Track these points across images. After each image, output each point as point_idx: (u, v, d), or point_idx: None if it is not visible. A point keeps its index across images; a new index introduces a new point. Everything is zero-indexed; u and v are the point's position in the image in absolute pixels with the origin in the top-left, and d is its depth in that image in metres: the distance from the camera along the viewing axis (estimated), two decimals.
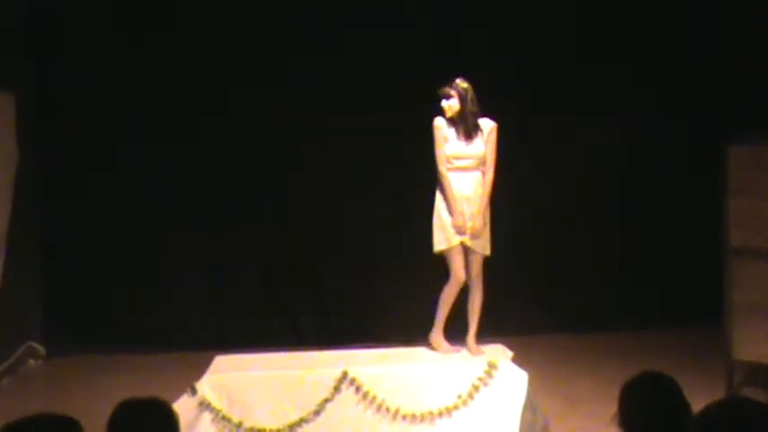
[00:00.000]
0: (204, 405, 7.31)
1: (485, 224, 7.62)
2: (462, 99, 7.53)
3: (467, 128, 7.55)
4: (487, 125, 7.59)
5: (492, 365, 7.37)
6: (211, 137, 10.05)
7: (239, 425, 7.29)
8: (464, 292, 7.80)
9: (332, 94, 9.95)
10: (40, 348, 10.12)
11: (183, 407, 7.01)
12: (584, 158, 10.05)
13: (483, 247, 7.66)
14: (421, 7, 9.97)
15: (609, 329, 9.89)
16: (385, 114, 9.79)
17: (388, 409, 7.29)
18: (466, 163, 7.57)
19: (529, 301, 10.01)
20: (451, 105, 7.54)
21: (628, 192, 10.24)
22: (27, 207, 9.94)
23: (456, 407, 7.29)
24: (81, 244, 10.10)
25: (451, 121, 7.59)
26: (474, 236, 7.58)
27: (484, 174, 7.62)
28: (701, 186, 9.27)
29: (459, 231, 7.58)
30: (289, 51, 9.96)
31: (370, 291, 10.00)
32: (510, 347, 7.78)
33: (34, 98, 10.05)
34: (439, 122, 7.60)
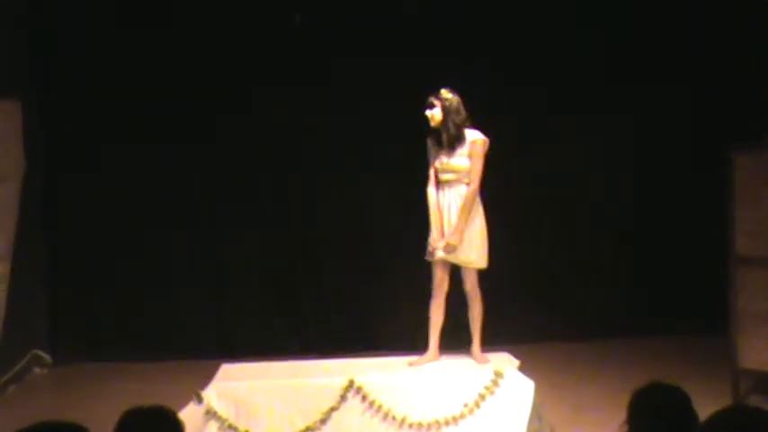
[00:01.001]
0: (210, 413, 7.31)
1: (463, 239, 7.54)
2: (445, 109, 7.49)
3: (449, 139, 7.51)
4: (471, 137, 7.54)
5: (498, 374, 7.35)
6: (215, 138, 10.06)
7: None
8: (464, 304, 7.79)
9: (333, 94, 9.96)
10: (46, 357, 10.13)
11: (189, 415, 7.02)
12: (589, 162, 10.04)
13: (467, 261, 7.58)
14: (421, 7, 9.98)
15: (615, 337, 9.89)
16: (387, 115, 9.79)
17: (394, 418, 7.28)
18: (448, 176, 7.52)
19: (534, 308, 10.00)
20: (434, 115, 7.52)
21: (633, 198, 10.23)
22: (33, 214, 9.95)
23: (462, 415, 7.27)
24: (87, 252, 10.12)
25: (438, 134, 7.57)
26: (449, 251, 7.54)
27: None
28: (707, 192, 9.24)
29: (435, 247, 7.58)
30: (289, 52, 9.98)
31: (376, 297, 9.99)
32: (516, 355, 7.77)
33: (36, 101, 10.06)
34: (429, 142, 7.62)
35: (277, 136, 10.09)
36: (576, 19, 10.08)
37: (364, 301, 10.06)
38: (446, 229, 7.53)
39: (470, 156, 7.48)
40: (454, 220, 7.50)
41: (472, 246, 7.54)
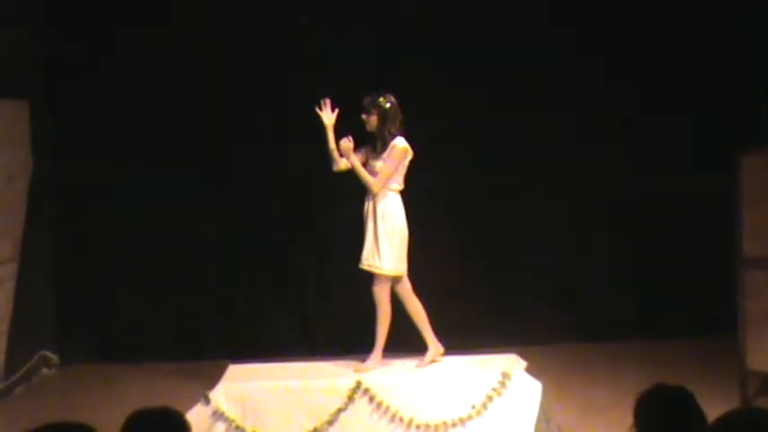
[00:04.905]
0: (218, 414, 7.32)
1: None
2: (382, 117, 7.51)
3: (383, 144, 7.54)
4: (392, 141, 7.53)
5: (506, 375, 7.35)
6: (220, 139, 10.06)
7: None
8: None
9: (337, 94, 9.94)
10: (54, 357, 10.13)
11: (196, 416, 7.04)
12: (596, 164, 10.02)
13: (370, 265, 7.67)
14: (421, 7, 9.97)
15: (623, 339, 9.87)
16: None
17: (401, 419, 7.28)
18: None
19: (542, 310, 9.98)
20: (370, 120, 7.55)
21: (641, 199, 10.20)
22: (40, 214, 9.96)
23: (470, 417, 7.27)
24: (94, 252, 10.13)
25: (373, 138, 7.60)
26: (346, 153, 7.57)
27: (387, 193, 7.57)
28: (716, 195, 9.21)
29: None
30: (288, 52, 9.98)
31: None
32: (523, 357, 7.77)
33: (43, 101, 10.07)
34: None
35: (281, 136, 10.09)
36: (576, 19, 10.05)
37: (372, 302, 10.03)
38: (364, 233, 7.56)
39: (386, 157, 7.48)
40: (371, 224, 7.51)
41: (383, 251, 7.54)
